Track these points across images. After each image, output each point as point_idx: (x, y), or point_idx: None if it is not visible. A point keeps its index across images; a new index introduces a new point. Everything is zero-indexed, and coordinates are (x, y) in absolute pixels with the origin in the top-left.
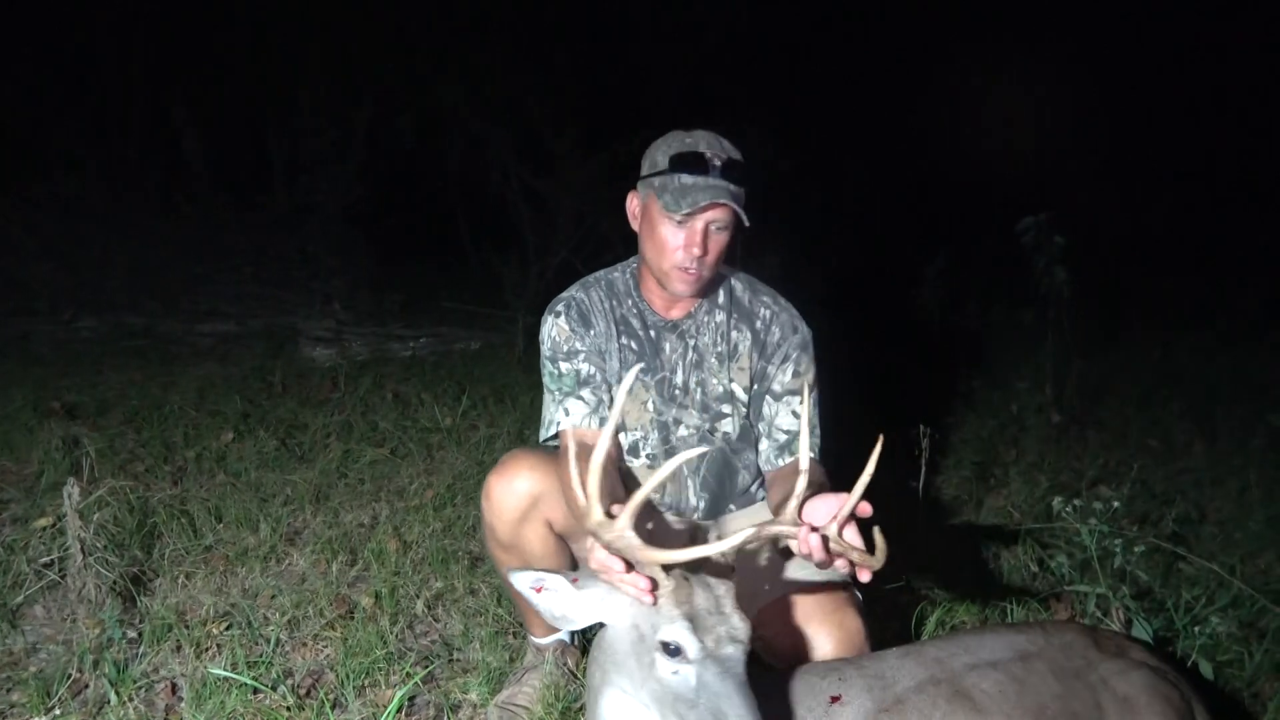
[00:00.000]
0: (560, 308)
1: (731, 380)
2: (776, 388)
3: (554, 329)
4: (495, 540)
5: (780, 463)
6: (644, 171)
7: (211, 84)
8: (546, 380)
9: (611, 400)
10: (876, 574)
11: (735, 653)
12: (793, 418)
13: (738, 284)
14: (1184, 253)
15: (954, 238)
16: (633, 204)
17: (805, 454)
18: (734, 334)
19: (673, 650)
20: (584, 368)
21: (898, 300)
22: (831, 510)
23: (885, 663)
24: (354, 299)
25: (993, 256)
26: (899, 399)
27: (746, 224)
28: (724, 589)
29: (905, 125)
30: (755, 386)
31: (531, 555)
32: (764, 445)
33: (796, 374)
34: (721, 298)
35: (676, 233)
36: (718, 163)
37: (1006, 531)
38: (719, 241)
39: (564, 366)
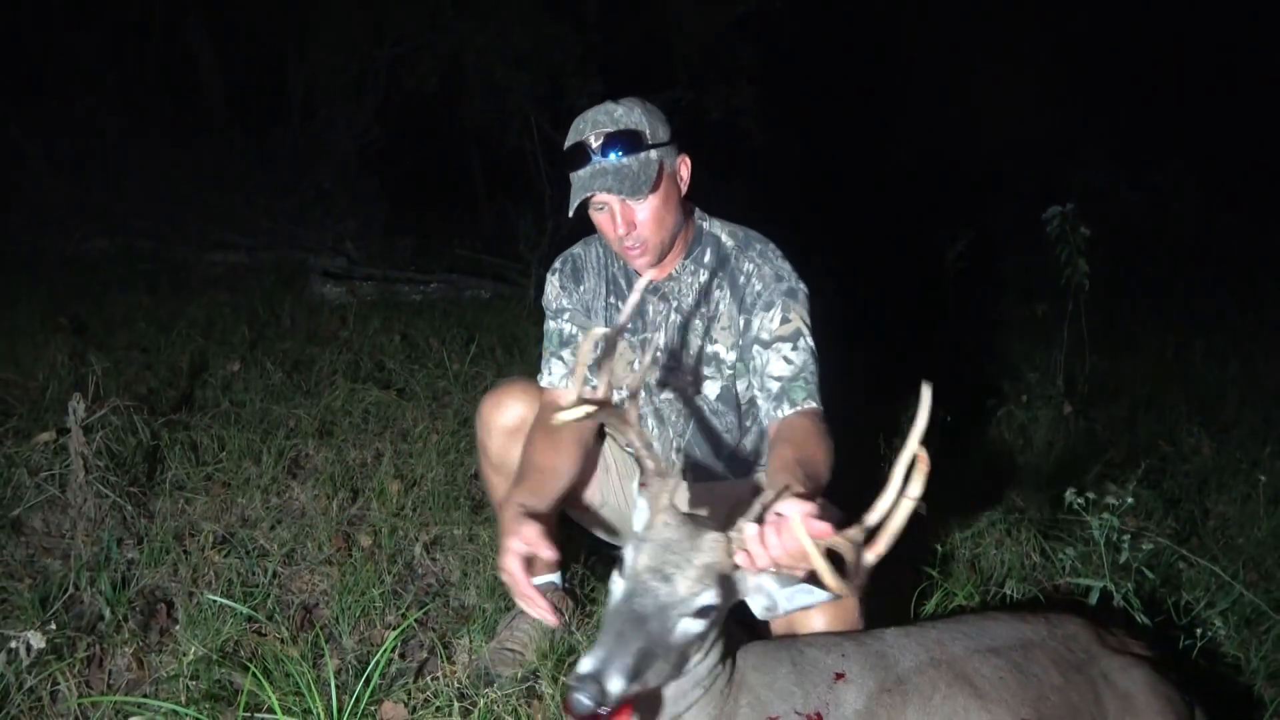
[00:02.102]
0: (558, 264)
1: (715, 341)
2: (765, 335)
3: (549, 286)
4: (487, 460)
5: (779, 414)
6: None
7: (231, 11)
8: (543, 334)
9: (594, 361)
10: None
11: (655, 587)
12: (784, 364)
13: (729, 241)
14: (1202, 253)
15: (974, 222)
16: None
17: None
18: (716, 293)
19: (620, 562)
20: (567, 328)
21: (914, 280)
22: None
23: (885, 641)
24: (366, 239)
25: (1010, 244)
26: (909, 379)
27: (642, 193)
28: (710, 545)
29: (930, 104)
30: (742, 342)
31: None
32: (760, 400)
33: (785, 320)
34: (708, 257)
35: (601, 219)
36: (598, 143)
37: (1010, 519)
38: (647, 208)
39: (552, 325)
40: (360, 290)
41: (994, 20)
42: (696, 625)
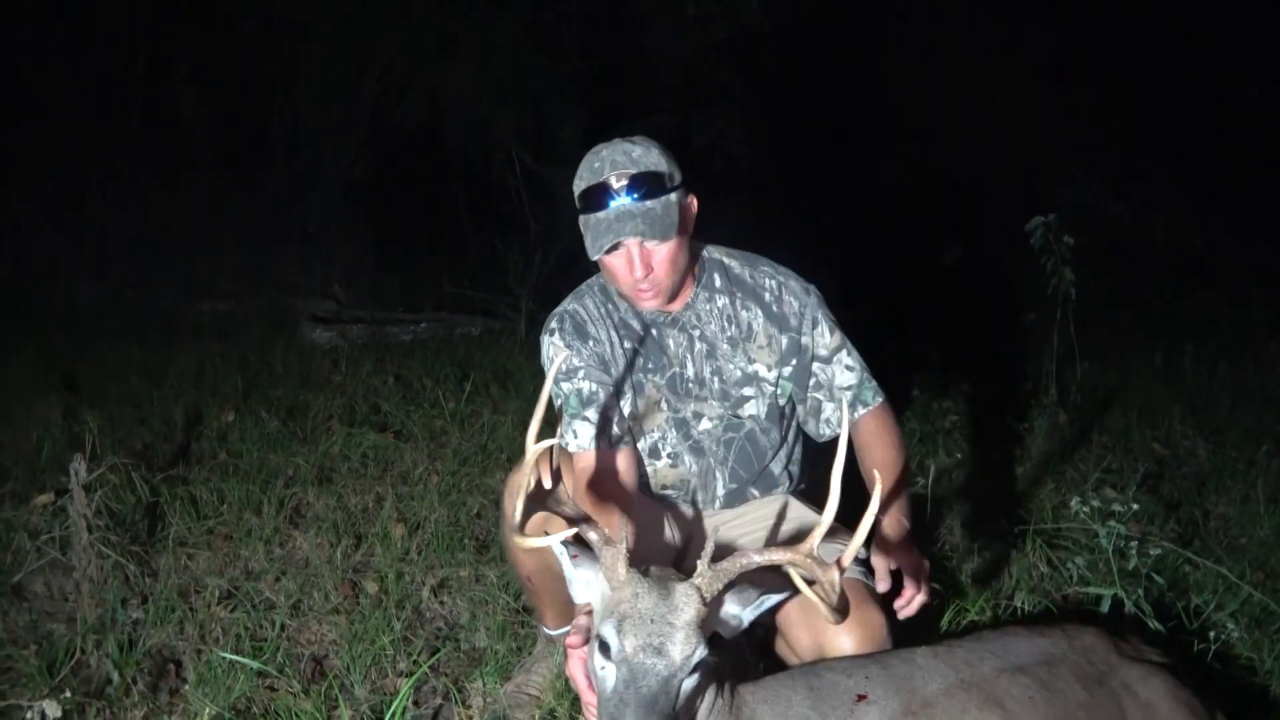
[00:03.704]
0: (554, 324)
1: (752, 361)
2: (822, 351)
3: (549, 348)
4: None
5: (856, 416)
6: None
7: (214, 53)
8: (553, 399)
9: (620, 415)
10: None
11: (653, 664)
12: (848, 372)
13: (734, 263)
14: (1186, 262)
15: (962, 237)
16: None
17: (835, 494)
18: (743, 314)
19: (603, 646)
20: (585, 386)
21: (905, 294)
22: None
23: (913, 663)
24: (354, 280)
25: (998, 258)
26: (903, 393)
27: (669, 236)
28: (684, 600)
29: (915, 122)
30: (794, 361)
31: (553, 556)
32: (828, 410)
33: (831, 330)
34: (719, 281)
35: (615, 261)
36: (620, 184)
37: (1015, 531)
38: (665, 251)
39: (565, 387)
40: (350, 333)
41: (978, 37)
42: (694, 680)
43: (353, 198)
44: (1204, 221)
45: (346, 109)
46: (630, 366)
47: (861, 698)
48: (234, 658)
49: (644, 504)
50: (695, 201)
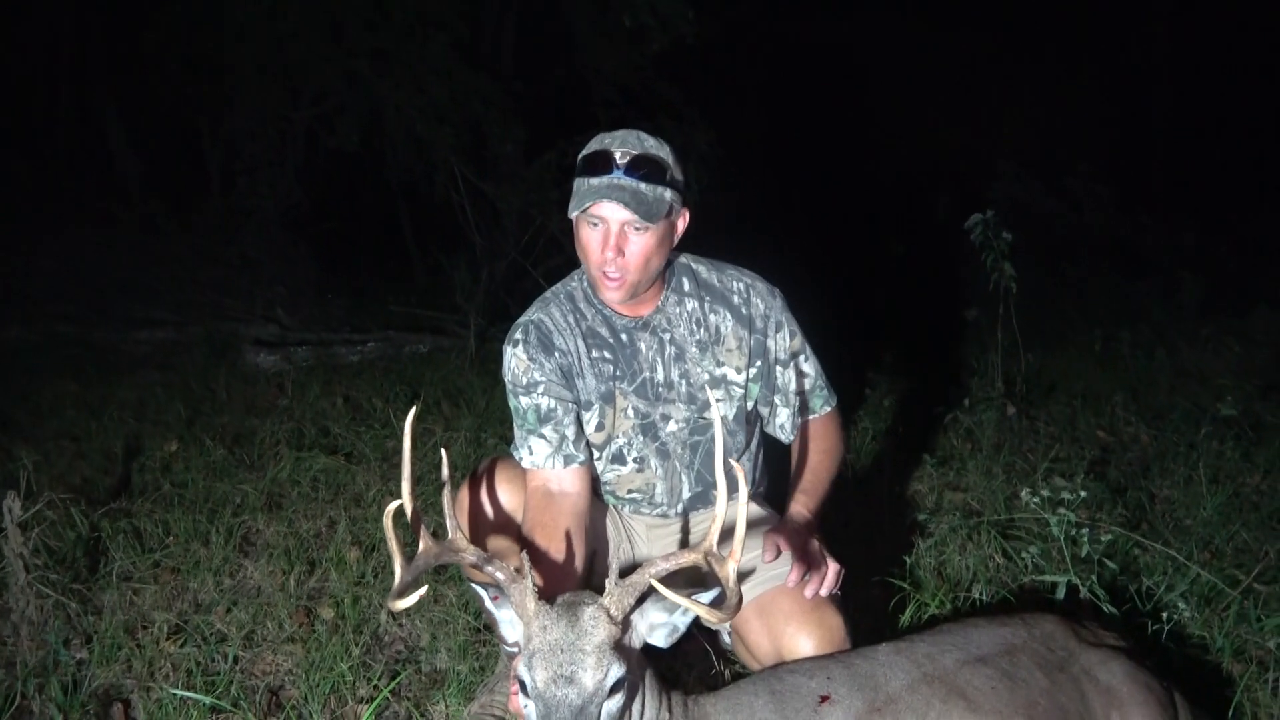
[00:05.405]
0: (519, 335)
1: (721, 364)
2: (782, 355)
3: (512, 360)
4: None
5: (801, 419)
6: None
7: (142, 84)
8: (512, 412)
9: (578, 431)
10: (854, 570)
11: (564, 695)
12: (802, 378)
13: (700, 267)
14: (1118, 252)
15: (902, 234)
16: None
17: (723, 489)
18: (712, 317)
19: (522, 685)
20: (544, 402)
21: (849, 296)
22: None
23: (875, 660)
24: (298, 304)
25: (938, 256)
26: (857, 392)
27: (652, 221)
28: (592, 623)
29: (852, 123)
30: (759, 363)
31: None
32: (782, 415)
33: (793, 334)
34: (688, 285)
35: (592, 234)
36: (623, 160)
37: (969, 523)
38: (641, 242)
39: (524, 401)
40: (296, 356)
41: (914, 42)
42: (616, 701)
43: (293, 221)
44: (1132, 212)
45: (281, 134)
46: (599, 376)
47: (825, 699)
48: (185, 694)
49: (597, 521)
50: (687, 216)
